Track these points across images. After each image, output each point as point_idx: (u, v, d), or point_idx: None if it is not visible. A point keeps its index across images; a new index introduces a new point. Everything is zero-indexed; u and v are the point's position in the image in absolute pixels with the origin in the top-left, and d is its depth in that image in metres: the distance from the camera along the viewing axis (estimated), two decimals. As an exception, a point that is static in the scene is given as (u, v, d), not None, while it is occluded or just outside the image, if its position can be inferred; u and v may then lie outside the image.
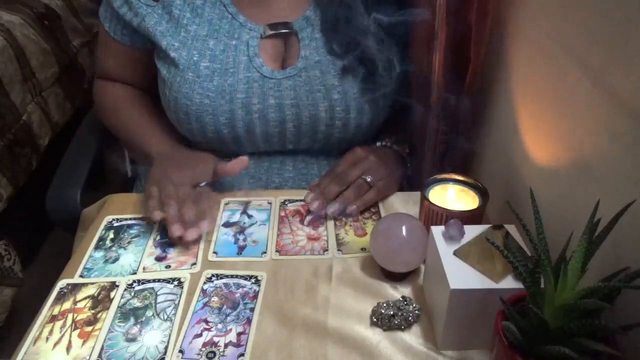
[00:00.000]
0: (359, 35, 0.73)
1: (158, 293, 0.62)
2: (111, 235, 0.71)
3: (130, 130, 0.87)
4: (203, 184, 0.72)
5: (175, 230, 0.65)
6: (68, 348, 0.56)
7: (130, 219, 0.74)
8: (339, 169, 0.75)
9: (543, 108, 0.59)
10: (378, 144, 0.83)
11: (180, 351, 0.55)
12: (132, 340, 0.56)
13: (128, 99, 0.90)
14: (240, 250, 0.69)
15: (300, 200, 0.77)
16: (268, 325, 0.58)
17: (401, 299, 0.59)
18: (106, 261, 0.67)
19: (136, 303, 0.61)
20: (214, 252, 0.68)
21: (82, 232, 0.80)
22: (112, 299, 0.61)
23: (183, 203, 0.68)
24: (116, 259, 0.67)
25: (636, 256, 0.43)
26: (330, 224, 0.73)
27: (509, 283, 0.50)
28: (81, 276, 0.65)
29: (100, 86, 0.92)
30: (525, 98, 0.64)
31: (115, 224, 0.73)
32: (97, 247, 0.69)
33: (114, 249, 0.69)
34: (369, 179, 0.74)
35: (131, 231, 0.72)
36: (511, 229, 0.56)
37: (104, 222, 0.73)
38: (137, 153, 0.87)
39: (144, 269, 0.66)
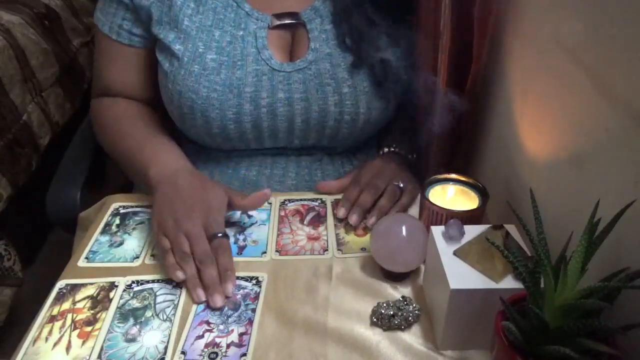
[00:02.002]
0: (370, 28, 0.72)
1: (157, 294, 0.62)
2: (117, 221, 0.74)
3: (128, 147, 0.77)
4: (220, 234, 0.64)
5: (199, 297, 0.60)
6: (68, 348, 0.56)
7: (136, 206, 0.77)
8: (363, 179, 0.73)
9: (543, 108, 0.59)
10: (386, 149, 0.81)
11: (183, 352, 0.55)
12: (132, 340, 0.56)
13: (130, 113, 0.82)
14: (240, 250, 0.69)
15: (300, 200, 0.77)
16: (269, 325, 0.58)
17: (401, 299, 0.59)
18: (111, 245, 0.70)
19: (135, 304, 0.61)
20: (214, 252, 0.68)
21: (81, 233, 0.80)
22: (112, 299, 0.61)
23: (202, 263, 0.61)
24: (121, 244, 0.70)
25: (636, 256, 0.43)
26: (330, 223, 0.73)
27: (509, 283, 0.50)
28: (86, 258, 0.67)
29: (99, 103, 0.84)
30: (525, 98, 0.64)
31: (122, 211, 0.76)
32: (103, 232, 0.72)
33: (119, 234, 0.72)
34: (401, 185, 0.73)
35: (136, 218, 0.75)
36: (511, 229, 0.56)
37: (111, 209, 0.76)
38: (135, 175, 0.78)
39: (153, 257, 0.67)
